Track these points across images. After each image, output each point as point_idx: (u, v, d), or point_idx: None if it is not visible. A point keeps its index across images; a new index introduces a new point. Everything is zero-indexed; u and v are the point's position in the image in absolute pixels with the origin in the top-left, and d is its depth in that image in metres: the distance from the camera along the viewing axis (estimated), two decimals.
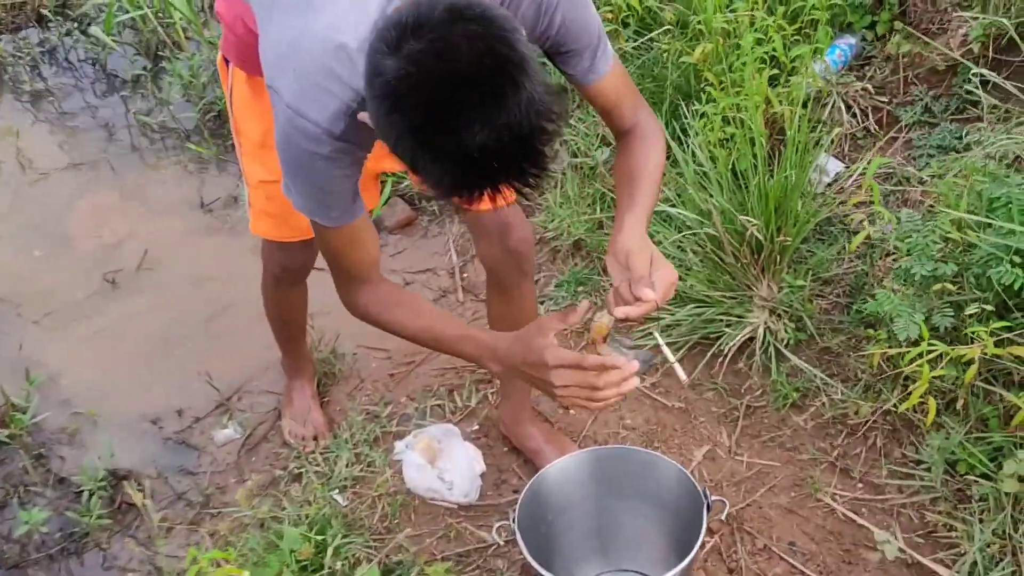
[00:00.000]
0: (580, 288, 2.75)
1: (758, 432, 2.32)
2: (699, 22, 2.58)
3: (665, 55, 2.71)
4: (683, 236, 2.48)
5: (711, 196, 2.39)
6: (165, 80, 3.85)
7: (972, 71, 2.42)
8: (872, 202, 2.18)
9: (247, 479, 2.49)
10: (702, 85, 2.60)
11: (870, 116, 2.74)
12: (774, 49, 2.40)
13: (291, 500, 2.34)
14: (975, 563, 1.88)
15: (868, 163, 2.45)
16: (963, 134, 2.54)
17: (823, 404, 2.30)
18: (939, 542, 1.99)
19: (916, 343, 1.94)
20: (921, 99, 2.70)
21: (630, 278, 1.40)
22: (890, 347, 2.03)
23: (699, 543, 1.72)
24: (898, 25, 2.83)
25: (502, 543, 1.87)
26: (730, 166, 2.40)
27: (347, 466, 2.42)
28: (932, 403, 1.87)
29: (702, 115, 2.50)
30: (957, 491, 2.04)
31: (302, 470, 2.43)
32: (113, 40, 4.08)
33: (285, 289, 2.34)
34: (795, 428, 2.30)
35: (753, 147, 2.35)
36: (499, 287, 2.12)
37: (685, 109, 2.62)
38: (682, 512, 1.89)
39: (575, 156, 2.99)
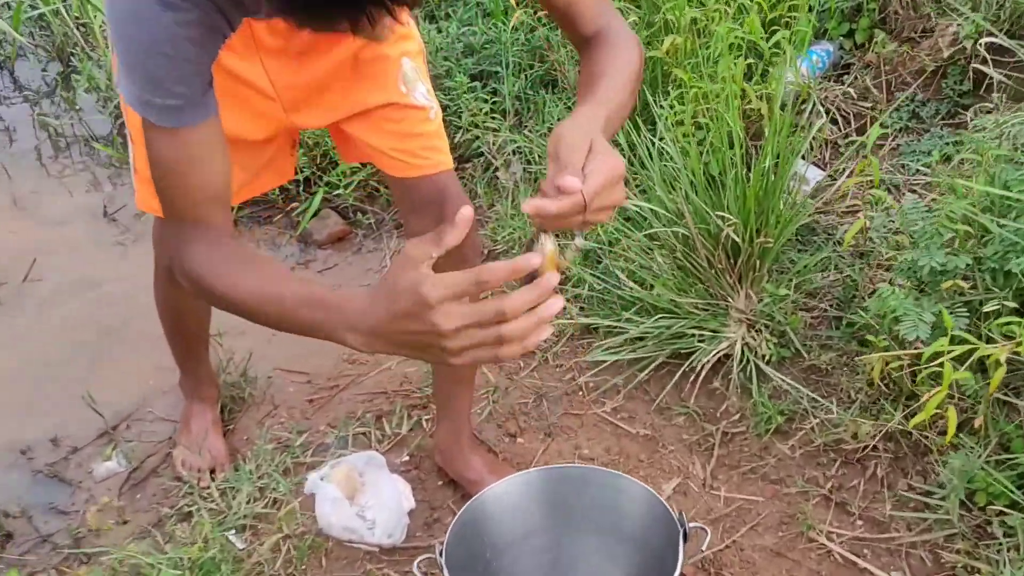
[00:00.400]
0: None
1: (737, 462, 1.97)
2: (668, 10, 2.33)
3: None
4: (649, 236, 2.17)
5: (683, 193, 2.09)
6: (76, 82, 3.50)
7: (982, 41, 2.15)
8: (876, 201, 1.89)
9: (127, 519, 2.07)
10: (670, 82, 2.33)
11: (852, 122, 2.50)
12: (751, 32, 2.15)
13: (176, 541, 1.92)
14: None
15: (862, 155, 2.18)
16: (955, 140, 2.29)
17: (812, 428, 1.96)
18: None
19: (925, 347, 1.63)
20: (907, 104, 2.47)
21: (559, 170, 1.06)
22: (896, 354, 1.72)
23: (677, 572, 1.35)
24: (878, 35, 2.62)
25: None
26: (703, 160, 2.11)
27: (248, 502, 2.02)
28: (952, 413, 1.55)
29: (671, 104, 2.22)
30: (976, 527, 1.70)
31: (193, 507, 2.02)
32: (23, 37, 3.75)
33: (178, 287, 1.96)
34: (780, 457, 1.96)
35: (730, 141, 2.07)
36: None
37: (653, 101, 2.34)
38: (652, 545, 1.52)
39: (528, 164, 2.69)
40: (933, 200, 1.84)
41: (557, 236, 1.06)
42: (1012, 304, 1.62)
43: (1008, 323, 1.55)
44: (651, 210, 2.12)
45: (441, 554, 1.44)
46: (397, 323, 1.00)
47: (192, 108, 1.12)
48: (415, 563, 1.47)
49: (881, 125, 2.49)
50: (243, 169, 1.65)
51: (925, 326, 1.63)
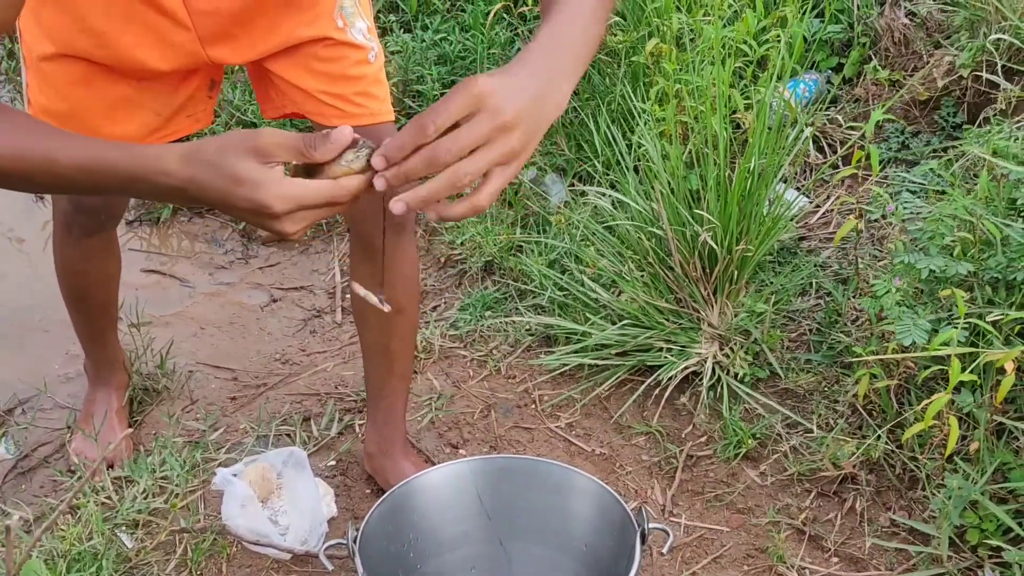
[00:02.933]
0: (488, 312, 2.22)
1: (701, 488, 1.77)
2: (653, 10, 2.21)
3: (619, 47, 2.32)
4: (620, 239, 2.00)
5: (660, 193, 1.93)
6: None
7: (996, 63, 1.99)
8: (873, 198, 1.74)
9: (7, 511, 1.80)
10: (652, 77, 2.20)
11: (838, 149, 2.37)
12: (745, 32, 2.03)
13: (56, 536, 1.66)
14: None
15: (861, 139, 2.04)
16: (949, 171, 2.17)
17: (786, 454, 1.77)
18: None
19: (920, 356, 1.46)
20: (897, 136, 2.35)
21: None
22: (883, 364, 1.54)
23: None
24: (867, 68, 2.52)
25: (330, 568, 1.25)
26: (685, 159, 1.97)
27: (144, 497, 1.76)
28: (954, 423, 1.36)
29: (651, 99, 2.08)
30: (966, 569, 1.50)
31: (82, 500, 1.76)
32: None
33: (78, 244, 1.73)
34: (749, 484, 1.75)
35: (715, 141, 1.92)
36: (365, 248, 1.56)
37: (632, 96, 2.20)
38: (602, 554, 1.31)
39: None
40: (932, 203, 1.69)
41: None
42: (1016, 315, 1.46)
43: (1020, 322, 1.38)
44: (625, 209, 1.95)
45: (355, 540, 1.21)
46: (226, 199, 0.90)
47: None
48: (321, 549, 1.24)
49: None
50: (154, 112, 1.45)
51: (921, 331, 1.46)
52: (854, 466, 1.66)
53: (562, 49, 0.95)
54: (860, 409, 1.75)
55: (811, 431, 1.78)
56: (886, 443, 1.63)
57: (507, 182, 0.90)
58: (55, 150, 0.94)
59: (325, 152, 0.89)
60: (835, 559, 1.60)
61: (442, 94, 2.72)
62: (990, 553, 1.47)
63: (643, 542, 1.20)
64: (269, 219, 0.90)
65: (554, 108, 0.93)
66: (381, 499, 1.30)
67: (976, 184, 1.70)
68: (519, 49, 2.76)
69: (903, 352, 1.52)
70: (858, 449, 1.63)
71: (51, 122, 1.27)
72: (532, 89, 0.90)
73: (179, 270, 2.51)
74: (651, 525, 1.22)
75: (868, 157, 1.76)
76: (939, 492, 1.49)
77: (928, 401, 1.36)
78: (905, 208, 1.68)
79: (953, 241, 1.60)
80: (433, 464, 1.82)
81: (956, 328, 1.41)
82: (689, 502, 1.75)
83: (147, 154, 0.92)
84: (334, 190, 0.90)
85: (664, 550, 1.21)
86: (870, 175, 1.87)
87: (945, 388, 1.52)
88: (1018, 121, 1.93)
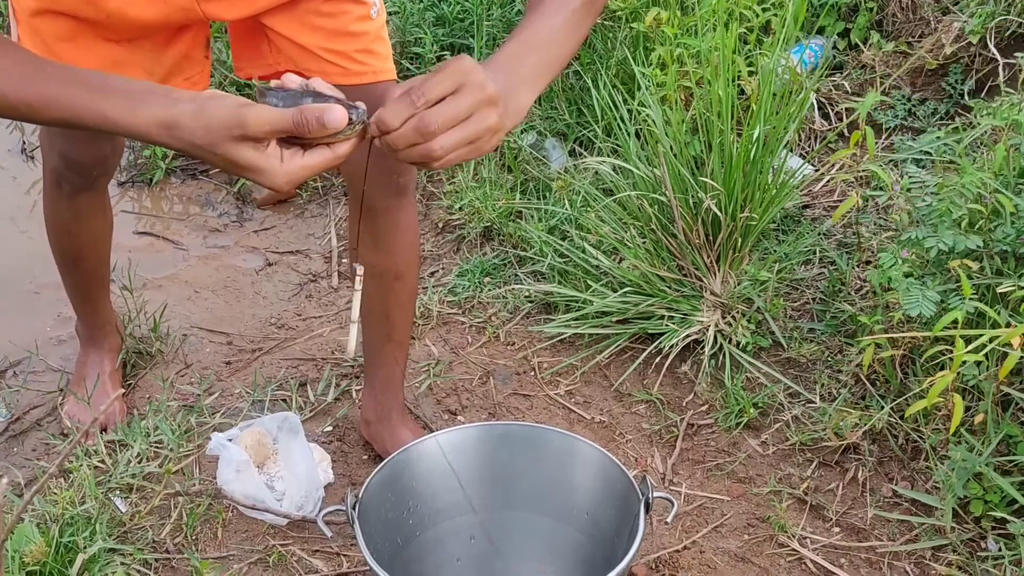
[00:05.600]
0: (487, 278, 2.19)
1: (702, 457, 1.75)
2: None
3: (618, 14, 2.27)
4: (623, 205, 1.96)
5: (664, 157, 1.89)
6: None
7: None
8: (873, 177, 1.70)
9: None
10: (654, 44, 2.15)
11: (844, 117, 2.34)
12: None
13: (48, 500, 1.64)
14: None
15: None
16: (959, 143, 2.13)
17: (788, 424, 1.75)
18: None
19: (926, 327, 1.44)
20: (904, 103, 2.31)
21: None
22: (890, 339, 1.52)
23: (635, 548, 1.12)
24: (874, 36, 2.48)
25: (329, 535, 1.23)
26: (687, 123, 1.93)
27: (138, 461, 1.74)
28: (958, 400, 1.34)
29: (653, 64, 2.04)
30: (969, 540, 1.49)
31: (75, 463, 1.73)
32: None
33: (69, 201, 1.69)
34: (751, 454, 1.74)
35: (719, 107, 1.88)
36: (366, 210, 1.52)
37: (632, 61, 2.15)
38: (605, 523, 1.29)
39: None
40: (939, 179, 1.66)
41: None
42: None
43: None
44: (627, 176, 1.92)
45: (354, 507, 1.19)
46: (227, 170, 0.94)
47: None
48: (319, 515, 1.22)
49: (875, 123, 2.34)
50: (146, 72, 1.40)
51: (929, 303, 1.44)
52: (856, 436, 1.65)
53: (530, 56, 0.99)
54: (864, 379, 1.73)
55: (813, 401, 1.77)
56: (889, 414, 1.62)
57: (476, 156, 0.93)
58: (46, 98, 0.93)
59: (320, 133, 0.90)
60: (836, 529, 1.59)
61: (440, 57, 2.68)
62: (993, 525, 1.46)
63: (647, 511, 1.18)
64: (272, 188, 0.93)
65: (514, 115, 0.96)
66: (380, 465, 1.28)
67: (984, 155, 1.67)
68: (519, 12, 2.70)
69: (909, 323, 1.49)
70: (861, 420, 1.61)
71: None
72: (501, 89, 0.93)
73: (172, 233, 2.47)
74: (655, 494, 1.20)
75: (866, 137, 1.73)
76: (943, 464, 1.48)
77: (933, 379, 1.34)
78: (911, 181, 1.65)
79: (962, 215, 1.57)
80: (431, 431, 1.80)
81: (961, 310, 1.38)
82: (690, 471, 1.73)
83: (136, 123, 0.92)
84: (332, 161, 0.92)
85: (668, 519, 1.19)
86: (877, 143, 1.84)
87: (950, 358, 1.51)
88: None
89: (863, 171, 1.81)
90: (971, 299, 1.45)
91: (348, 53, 1.39)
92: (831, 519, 1.61)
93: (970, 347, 1.33)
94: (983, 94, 2.20)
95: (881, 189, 1.74)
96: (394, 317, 1.64)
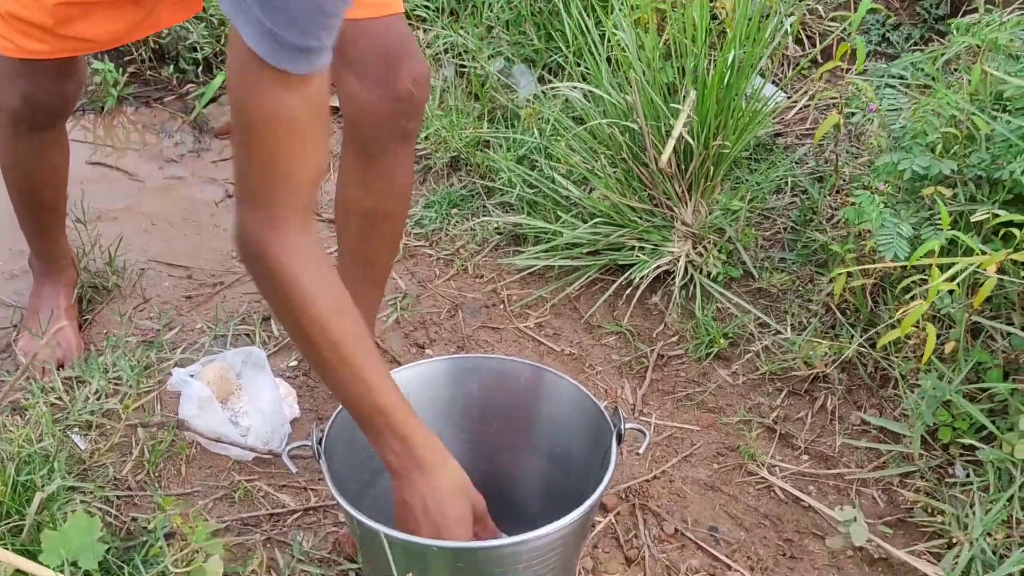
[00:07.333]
0: (454, 210, 2.14)
1: (671, 387, 1.74)
2: None
3: None
4: (593, 133, 1.91)
5: (636, 83, 1.84)
6: None
7: None
8: (857, 91, 1.66)
9: None
10: None
11: (818, 43, 2.29)
12: None
13: (4, 439, 1.59)
14: (972, 559, 1.33)
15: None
16: (934, 65, 2.10)
17: (758, 354, 1.75)
18: (918, 530, 1.45)
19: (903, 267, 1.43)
20: (878, 28, 2.27)
21: None
22: (859, 263, 1.50)
23: (607, 479, 1.11)
24: None
25: (295, 470, 1.21)
26: (660, 48, 1.87)
27: (96, 397, 1.70)
28: (931, 330, 1.33)
29: None
30: (936, 467, 1.51)
31: (31, 400, 1.68)
32: None
33: (27, 137, 1.62)
34: (720, 384, 1.73)
35: (693, 32, 1.83)
36: (363, 152, 1.46)
37: None
38: (576, 455, 1.28)
39: (462, 60, 2.41)
40: (915, 100, 1.63)
41: None
42: (1007, 217, 1.42)
43: (1005, 225, 1.35)
44: (598, 103, 1.87)
45: (320, 442, 1.16)
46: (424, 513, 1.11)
47: (327, 52, 0.91)
48: (284, 450, 1.19)
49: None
50: (133, 2, 1.34)
51: (903, 243, 1.42)
52: (826, 365, 1.65)
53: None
54: (834, 308, 1.72)
55: (783, 331, 1.76)
56: (862, 342, 1.61)
57: None
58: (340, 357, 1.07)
59: None
60: (805, 457, 1.60)
61: None
62: (961, 451, 1.47)
63: (619, 443, 1.16)
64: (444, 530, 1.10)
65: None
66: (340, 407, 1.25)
67: (960, 79, 1.64)
68: None
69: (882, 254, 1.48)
70: (831, 350, 1.61)
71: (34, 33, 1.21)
72: None
73: (127, 163, 2.38)
74: (627, 425, 1.19)
75: (854, 51, 1.69)
76: (912, 392, 1.48)
77: (906, 309, 1.32)
78: (889, 104, 1.62)
79: (936, 139, 1.55)
80: (399, 365, 1.77)
81: (938, 240, 1.36)
82: (659, 402, 1.72)
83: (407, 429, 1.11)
84: None
85: (640, 450, 1.18)
86: (851, 69, 1.80)
87: (922, 286, 1.50)
88: (1010, 11, 1.86)
89: (837, 97, 1.77)
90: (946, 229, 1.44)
91: None
92: (800, 447, 1.61)
93: (945, 275, 1.31)
94: (960, 15, 2.16)
95: (855, 114, 1.70)
96: (376, 258, 1.59)
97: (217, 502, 1.55)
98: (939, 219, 1.47)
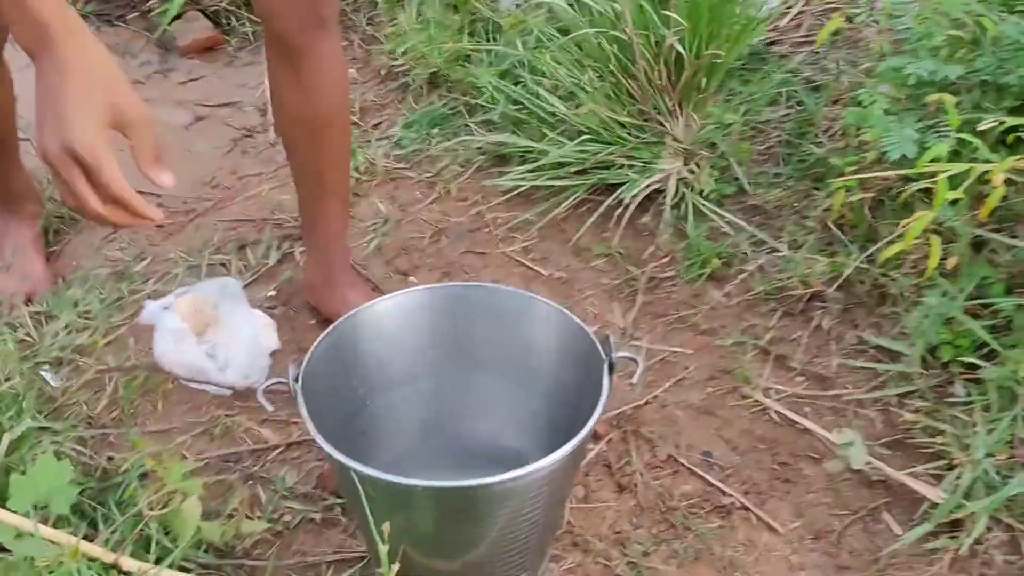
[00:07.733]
0: (435, 129, 2.05)
1: (663, 310, 1.69)
2: None
3: None
4: (579, 45, 1.82)
5: None
6: None
7: None
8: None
9: None
10: None
11: None
12: None
13: None
14: (974, 480, 1.30)
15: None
16: None
17: (752, 274, 1.69)
18: (917, 452, 1.41)
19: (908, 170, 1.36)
20: None
21: None
22: (861, 181, 1.43)
23: (598, 413, 1.06)
24: None
25: (271, 409, 1.15)
26: None
27: (67, 333, 1.63)
28: (936, 242, 1.28)
29: None
30: (936, 387, 1.47)
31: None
32: None
33: None
34: (714, 305, 1.68)
35: None
36: (284, 52, 1.39)
37: None
38: (568, 384, 1.23)
39: None
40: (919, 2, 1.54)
41: None
42: (1014, 121, 1.35)
43: (1012, 130, 1.28)
44: (584, 12, 1.76)
45: (297, 379, 1.11)
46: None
47: None
48: (260, 388, 1.13)
49: None
50: None
51: (909, 143, 1.35)
52: (822, 284, 1.59)
53: None
54: (831, 225, 1.66)
55: (779, 249, 1.70)
56: (862, 259, 1.56)
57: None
58: None
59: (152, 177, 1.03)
60: (801, 378, 1.56)
61: None
62: (962, 370, 1.43)
63: (611, 373, 1.11)
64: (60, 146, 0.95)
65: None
66: (324, 333, 1.19)
67: None
68: None
69: (886, 164, 1.41)
70: (830, 268, 1.55)
71: None
72: None
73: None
74: (619, 354, 1.13)
75: None
76: (913, 310, 1.42)
77: (909, 220, 1.26)
78: (893, 4, 1.53)
79: (943, 42, 1.46)
80: (382, 293, 1.70)
81: (945, 145, 1.29)
82: (651, 325, 1.67)
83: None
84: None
85: (634, 380, 1.13)
86: None
87: (923, 200, 1.44)
88: None
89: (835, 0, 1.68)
90: (948, 136, 1.37)
91: None
92: (795, 368, 1.57)
93: (953, 179, 1.25)
94: None
95: (859, 14, 1.61)
96: (328, 167, 1.52)
97: (196, 438, 1.50)
98: (943, 127, 1.40)
